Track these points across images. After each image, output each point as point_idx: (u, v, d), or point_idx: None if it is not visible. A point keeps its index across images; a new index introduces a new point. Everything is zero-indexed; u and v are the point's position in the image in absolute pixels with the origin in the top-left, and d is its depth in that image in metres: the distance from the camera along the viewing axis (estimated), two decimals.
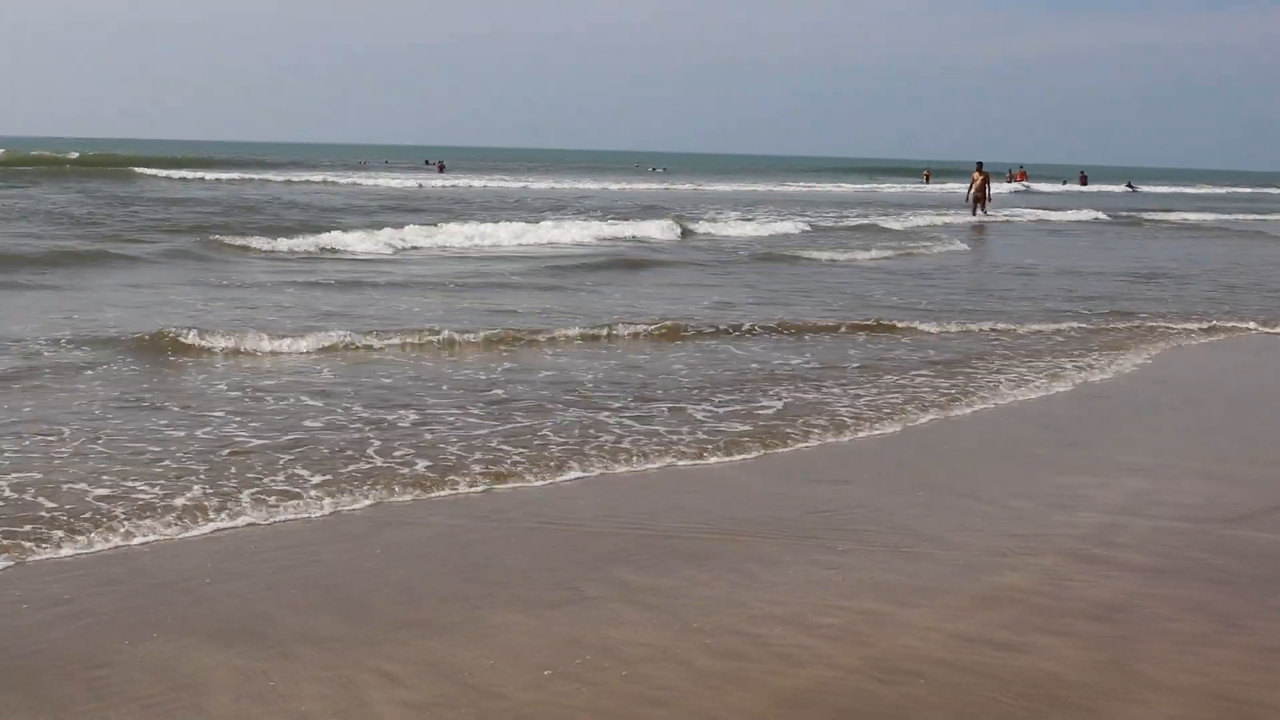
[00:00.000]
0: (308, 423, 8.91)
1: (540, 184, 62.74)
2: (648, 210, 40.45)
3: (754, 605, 5.68)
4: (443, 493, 7.45)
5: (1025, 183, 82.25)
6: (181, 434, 8.49)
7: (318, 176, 61.77)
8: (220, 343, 11.90)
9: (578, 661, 5.03)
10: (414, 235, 25.81)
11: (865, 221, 37.85)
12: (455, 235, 26.51)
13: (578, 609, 5.61)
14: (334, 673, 4.88)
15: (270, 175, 61.81)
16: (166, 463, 7.75)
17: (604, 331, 13.58)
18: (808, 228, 34.19)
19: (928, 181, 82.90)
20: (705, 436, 8.93)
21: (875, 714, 4.65)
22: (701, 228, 32.41)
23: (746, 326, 14.37)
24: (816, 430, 9.27)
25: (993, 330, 14.90)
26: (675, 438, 8.85)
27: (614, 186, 64.24)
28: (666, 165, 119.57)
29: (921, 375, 11.65)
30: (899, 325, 14.82)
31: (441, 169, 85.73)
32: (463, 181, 61.79)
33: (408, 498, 7.35)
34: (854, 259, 25.49)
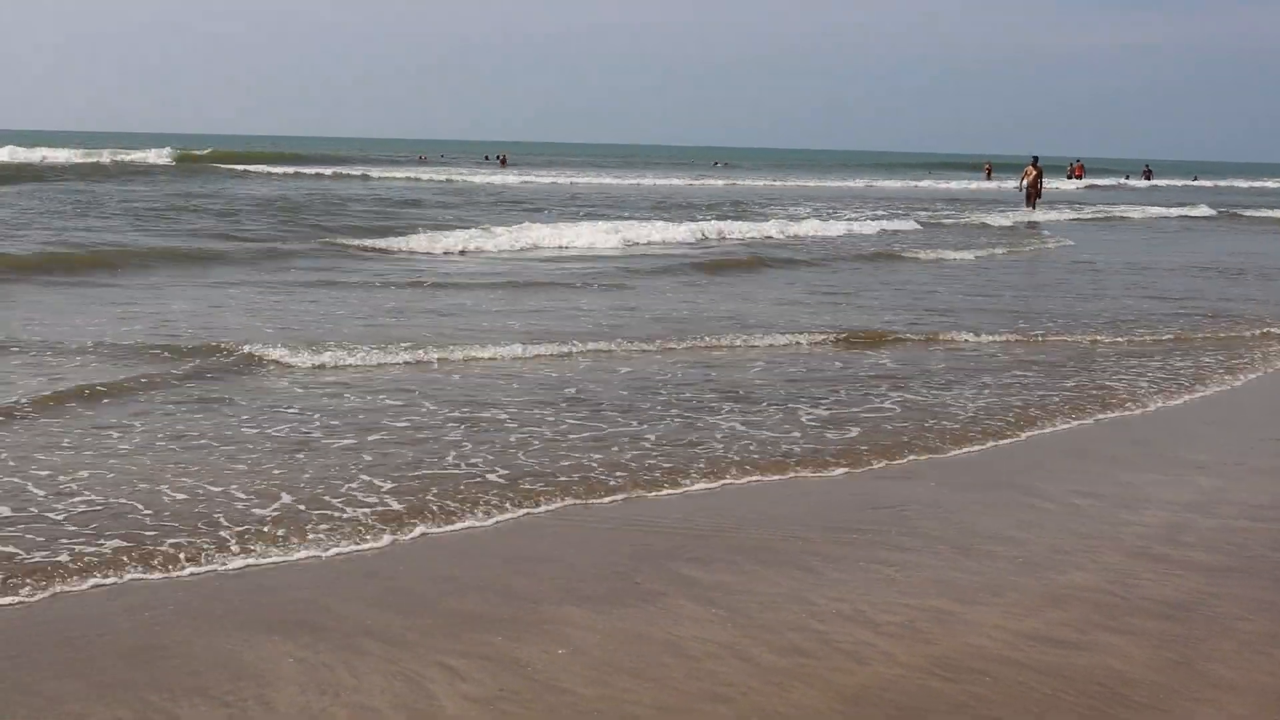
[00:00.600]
0: (494, 412, 8.98)
1: (608, 179, 62.16)
2: (738, 206, 39.90)
3: (817, 602, 5.68)
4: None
5: (1082, 177, 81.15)
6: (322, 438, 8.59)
7: (400, 173, 60.68)
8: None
9: (642, 657, 5.05)
10: (538, 234, 25.70)
11: (971, 219, 37.36)
12: (599, 234, 26.28)
13: (641, 605, 5.63)
14: (398, 666, 4.92)
15: (347, 170, 60.64)
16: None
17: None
18: (918, 225, 33.57)
19: (989, 177, 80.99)
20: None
21: (939, 712, 4.64)
22: (806, 227, 31.05)
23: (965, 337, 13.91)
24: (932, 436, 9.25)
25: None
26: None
27: (680, 181, 63.37)
28: (726, 159, 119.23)
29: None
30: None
31: (504, 163, 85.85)
32: (530, 177, 60.75)
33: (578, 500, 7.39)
34: (992, 256, 25.65)
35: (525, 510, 7.02)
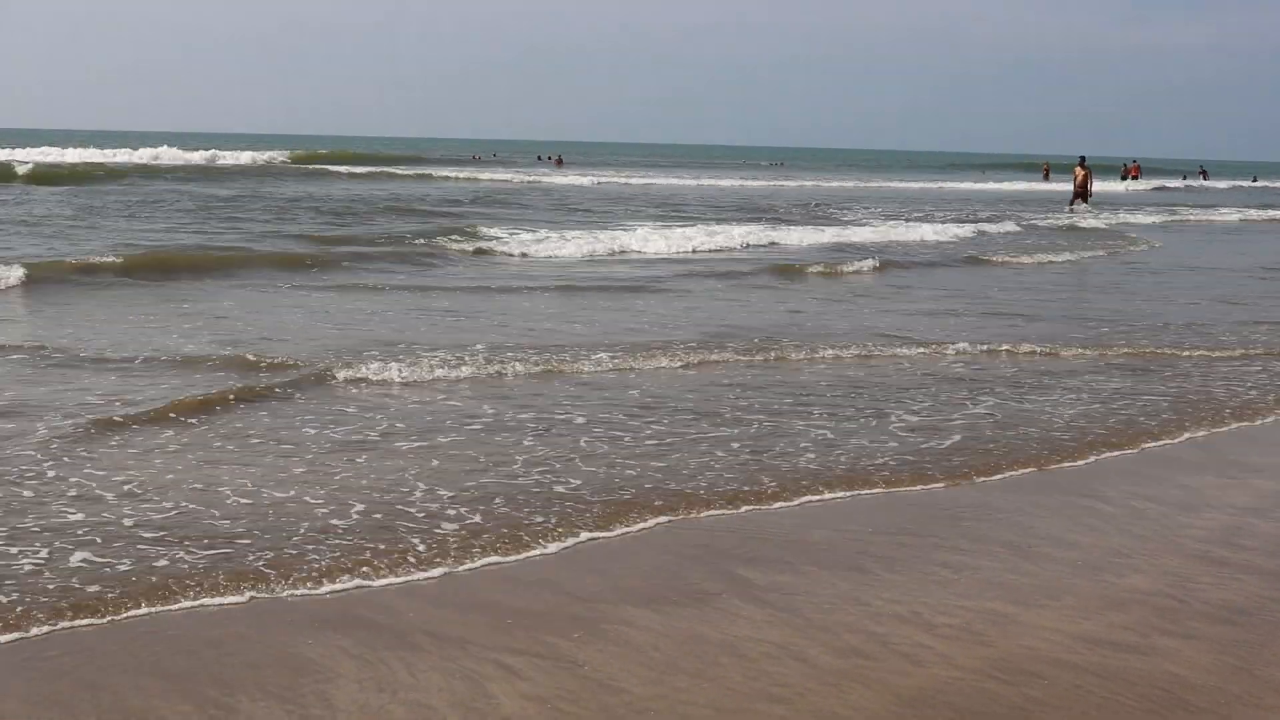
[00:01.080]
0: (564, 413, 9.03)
1: (671, 180, 61.00)
2: (807, 210, 38.92)
3: (874, 604, 5.68)
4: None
5: (1138, 178, 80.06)
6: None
7: (484, 174, 59.67)
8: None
9: (698, 657, 5.07)
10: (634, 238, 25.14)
11: (1067, 221, 36.68)
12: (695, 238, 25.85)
13: (697, 605, 5.64)
14: (455, 665, 4.96)
15: (430, 171, 59.86)
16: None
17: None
18: (1016, 228, 32.90)
19: (1047, 177, 79.65)
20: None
21: (996, 715, 4.63)
22: (919, 232, 29.76)
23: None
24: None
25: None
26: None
27: (742, 182, 62.23)
28: (780, 160, 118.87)
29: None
30: None
31: (560, 164, 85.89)
32: (587, 178, 59.70)
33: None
34: (1095, 258, 25.48)
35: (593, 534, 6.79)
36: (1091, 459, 8.49)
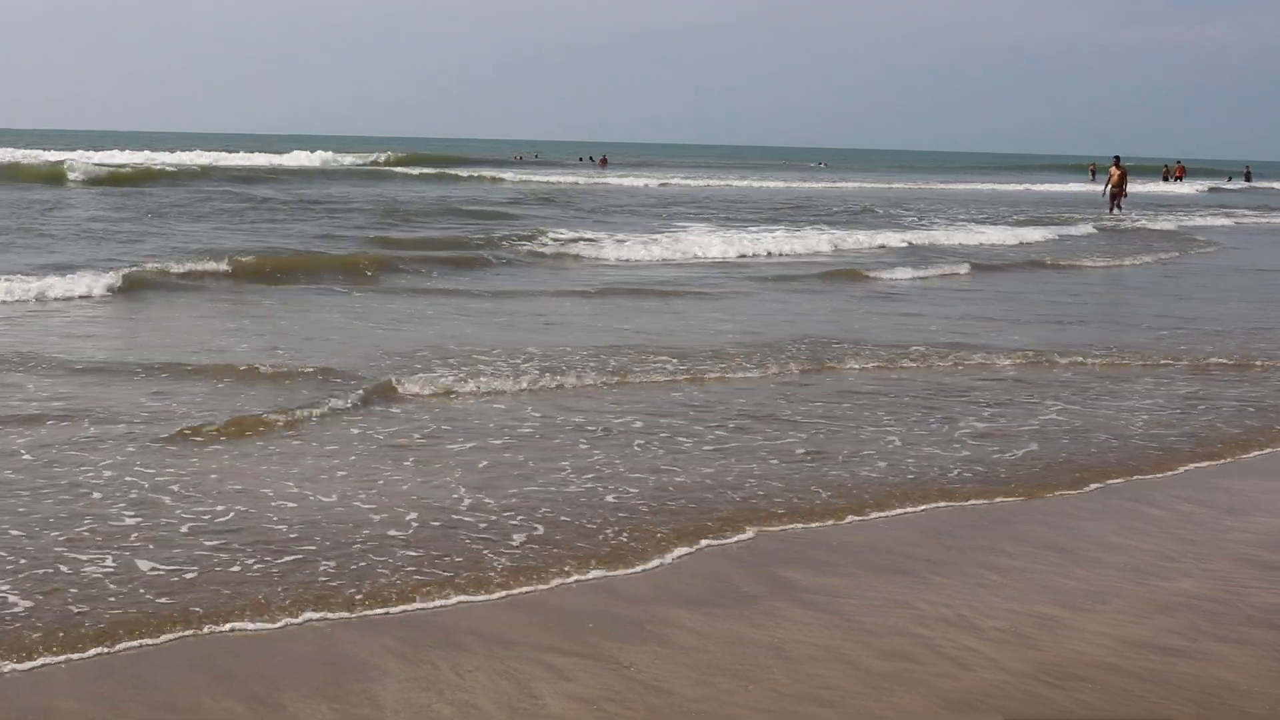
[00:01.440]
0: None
1: (718, 181, 60.27)
2: (869, 212, 38.16)
3: (920, 607, 5.66)
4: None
5: (1183, 178, 79.24)
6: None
7: (547, 176, 58.27)
8: None
9: (744, 659, 5.06)
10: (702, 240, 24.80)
11: (1138, 224, 36.14)
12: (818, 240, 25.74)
13: (744, 607, 5.64)
14: (501, 665, 4.97)
15: (485, 172, 58.24)
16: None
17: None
18: (1093, 230, 32.35)
19: (1093, 177, 78.61)
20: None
21: (1045, 719, 4.61)
22: (955, 236, 28.84)
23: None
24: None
25: None
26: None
27: (800, 184, 61.18)
28: (822, 160, 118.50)
29: None
30: None
31: (605, 164, 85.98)
32: (643, 180, 58.57)
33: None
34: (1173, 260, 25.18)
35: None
36: (1179, 470, 8.28)
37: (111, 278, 15.49)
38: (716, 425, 8.97)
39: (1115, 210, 40.65)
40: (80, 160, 46.18)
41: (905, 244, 26.36)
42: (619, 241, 23.63)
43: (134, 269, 16.52)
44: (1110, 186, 41.54)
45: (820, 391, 10.42)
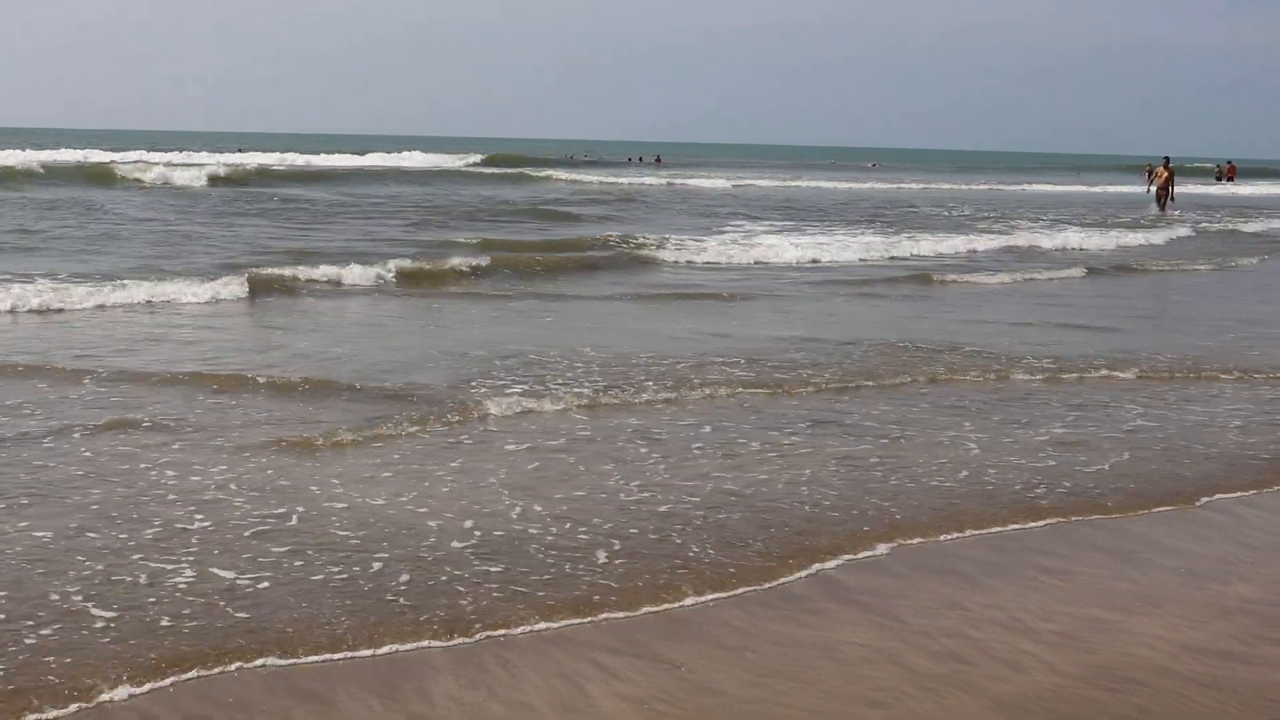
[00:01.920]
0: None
1: (769, 182, 59.56)
2: (944, 215, 37.05)
3: (973, 609, 5.63)
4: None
5: (1234, 179, 78.00)
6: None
7: (594, 177, 57.23)
8: None
9: (796, 661, 5.05)
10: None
11: (1229, 227, 35.30)
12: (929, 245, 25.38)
13: (796, 608, 5.63)
14: (553, 664, 4.98)
15: (561, 174, 57.65)
16: None
17: None
18: (1190, 233, 31.58)
19: (1150, 179, 76.90)
20: None
21: None
22: (1054, 239, 27.97)
23: None
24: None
25: None
26: None
27: (858, 185, 60.59)
28: (879, 161, 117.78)
29: None
30: None
31: (659, 163, 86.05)
32: (711, 181, 57.54)
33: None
34: None
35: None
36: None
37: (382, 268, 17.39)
38: (836, 435, 8.90)
39: (1164, 210, 39.85)
40: (212, 160, 47.75)
41: (1005, 246, 26.09)
42: (728, 243, 23.54)
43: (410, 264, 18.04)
44: (1157, 187, 40.99)
45: (931, 399, 10.14)
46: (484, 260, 18.85)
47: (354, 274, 17.09)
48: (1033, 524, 6.91)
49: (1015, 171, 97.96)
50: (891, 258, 23.42)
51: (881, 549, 6.43)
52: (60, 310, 13.66)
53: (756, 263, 21.82)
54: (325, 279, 16.79)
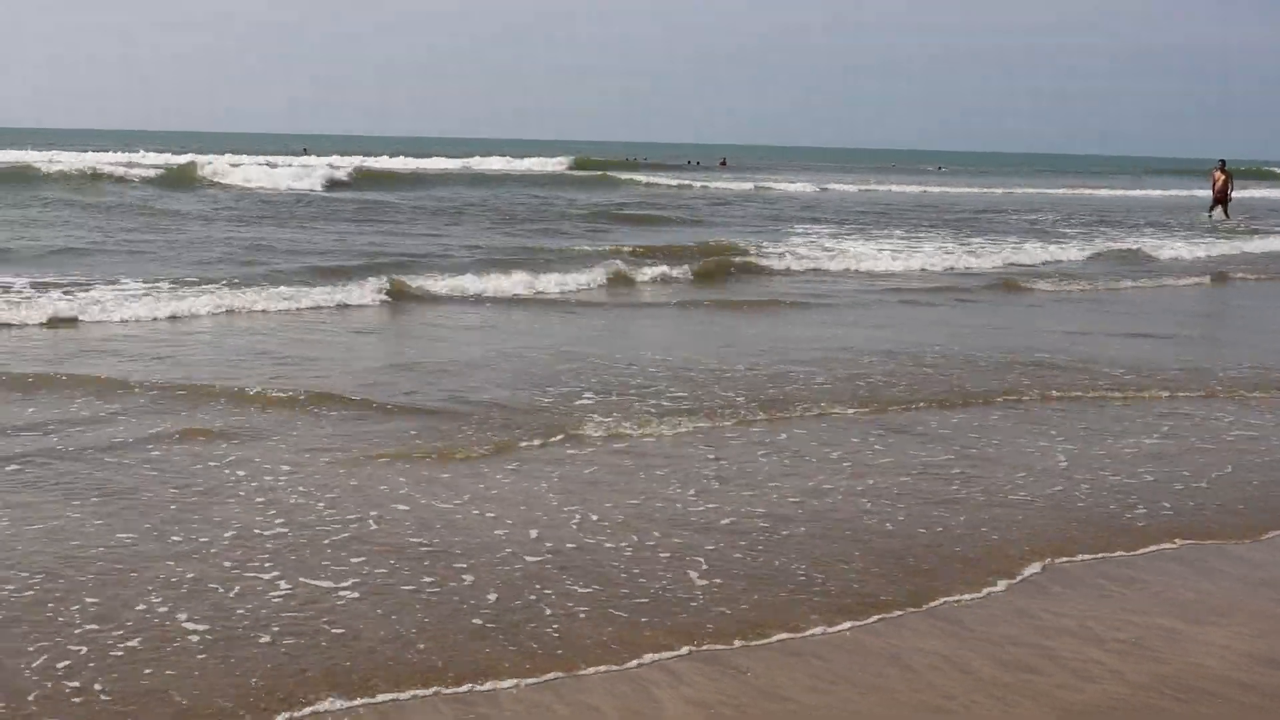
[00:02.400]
0: None
1: (849, 186, 58.25)
2: (1025, 221, 36.21)
3: (1042, 617, 5.61)
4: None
5: None
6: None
7: (673, 180, 55.65)
8: None
9: (863, 667, 5.05)
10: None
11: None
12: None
13: (862, 614, 5.62)
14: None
15: (640, 177, 55.81)
16: None
17: None
18: None
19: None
20: None
21: None
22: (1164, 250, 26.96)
23: None
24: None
25: None
26: None
27: (929, 189, 59.49)
28: (943, 165, 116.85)
29: None
30: None
31: (724, 165, 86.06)
32: (797, 185, 56.15)
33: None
34: None
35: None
36: None
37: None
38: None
39: (1218, 215, 38.79)
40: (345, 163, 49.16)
41: (1106, 252, 25.84)
42: (841, 249, 23.48)
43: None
44: (1215, 191, 39.76)
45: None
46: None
47: (549, 282, 17.27)
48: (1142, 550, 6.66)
49: (1078, 175, 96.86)
50: (1009, 264, 23.21)
51: (1002, 583, 6.11)
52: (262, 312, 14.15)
53: (888, 272, 21.48)
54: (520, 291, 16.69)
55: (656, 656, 5.11)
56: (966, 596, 5.85)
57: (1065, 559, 6.42)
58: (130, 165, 43.05)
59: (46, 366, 10.35)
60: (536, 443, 8.35)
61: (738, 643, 5.27)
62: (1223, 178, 39.45)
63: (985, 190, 61.12)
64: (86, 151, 58.61)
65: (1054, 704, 4.75)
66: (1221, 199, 39.37)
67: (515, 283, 16.78)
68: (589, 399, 9.65)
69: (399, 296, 15.53)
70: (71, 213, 26.70)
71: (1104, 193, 63.19)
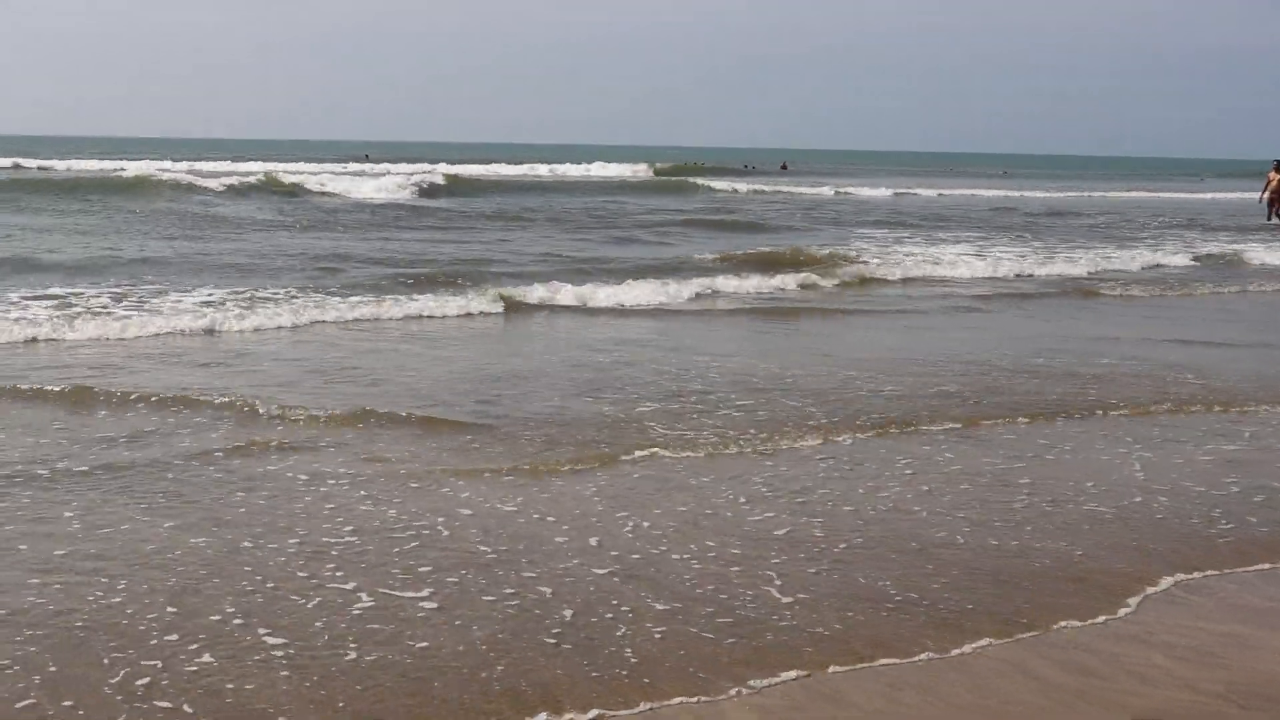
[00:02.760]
0: None
1: (928, 191, 57.49)
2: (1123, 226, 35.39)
3: (1106, 622, 5.60)
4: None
5: None
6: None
7: (747, 185, 54.94)
8: None
9: (926, 672, 5.06)
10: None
11: None
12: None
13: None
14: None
15: (716, 183, 54.35)
16: None
17: None
18: None
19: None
20: None
21: None
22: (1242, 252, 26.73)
23: None
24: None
25: None
26: None
27: (1002, 192, 58.76)
28: (1006, 168, 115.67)
29: None
30: None
31: (784, 169, 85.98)
32: (876, 190, 55.68)
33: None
34: None
35: None
36: None
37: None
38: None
39: (1274, 218, 37.75)
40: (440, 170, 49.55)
41: (1199, 256, 25.52)
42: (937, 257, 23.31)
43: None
44: (1268, 192, 38.61)
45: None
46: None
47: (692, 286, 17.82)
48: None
49: (1135, 178, 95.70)
50: (1099, 270, 22.83)
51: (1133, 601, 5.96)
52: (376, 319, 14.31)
53: (989, 277, 21.36)
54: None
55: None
56: (1075, 622, 5.62)
57: (1190, 575, 6.28)
58: (208, 176, 42.14)
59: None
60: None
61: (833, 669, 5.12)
62: (1276, 179, 38.30)
63: (1058, 194, 60.30)
64: (163, 160, 59.63)
65: (1118, 709, 4.71)
66: (1276, 199, 38.35)
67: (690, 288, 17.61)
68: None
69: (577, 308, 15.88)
70: (172, 223, 26.71)
71: (1176, 195, 62.35)
